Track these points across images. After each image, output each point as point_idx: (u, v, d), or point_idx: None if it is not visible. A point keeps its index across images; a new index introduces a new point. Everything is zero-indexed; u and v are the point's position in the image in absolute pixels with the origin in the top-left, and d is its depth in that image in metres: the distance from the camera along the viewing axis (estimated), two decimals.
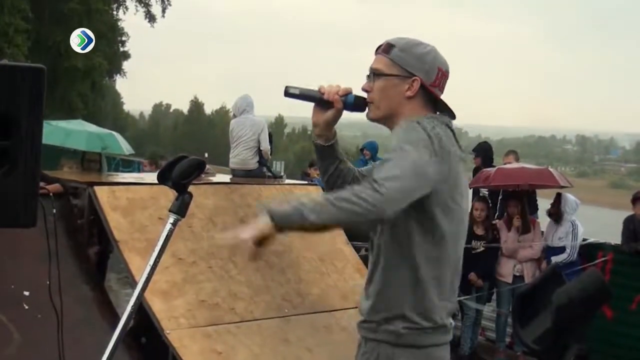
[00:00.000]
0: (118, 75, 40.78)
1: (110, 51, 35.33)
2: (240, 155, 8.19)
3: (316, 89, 2.59)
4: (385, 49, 2.51)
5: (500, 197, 8.78)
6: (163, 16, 37.32)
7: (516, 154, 9.54)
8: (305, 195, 2.31)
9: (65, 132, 9.49)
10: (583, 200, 8.26)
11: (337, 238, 6.54)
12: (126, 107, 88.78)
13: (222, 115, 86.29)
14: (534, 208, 8.63)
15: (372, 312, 2.52)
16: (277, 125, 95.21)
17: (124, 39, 38.68)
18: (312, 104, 2.60)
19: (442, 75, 2.51)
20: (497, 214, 8.55)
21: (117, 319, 5.34)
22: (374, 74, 2.51)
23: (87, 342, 4.68)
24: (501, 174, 8.12)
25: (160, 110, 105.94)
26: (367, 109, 2.56)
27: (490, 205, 8.29)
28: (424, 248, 2.38)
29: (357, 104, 2.56)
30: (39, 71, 3.01)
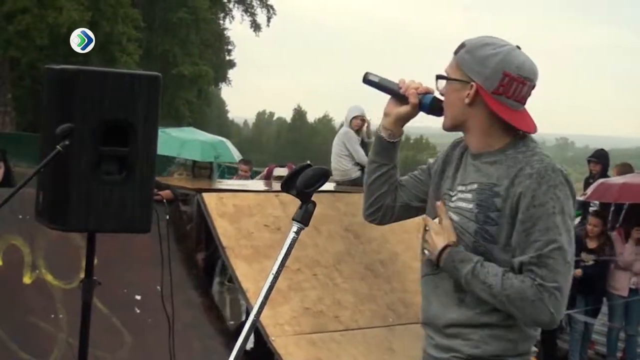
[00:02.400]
0: (223, 83, 41.83)
1: (217, 59, 36.30)
2: (337, 166, 8.24)
3: (396, 81, 2.45)
4: (457, 49, 2.30)
5: (612, 209, 8.47)
6: (268, 25, 38.03)
7: (631, 167, 9.20)
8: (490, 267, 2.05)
9: (179, 141, 9.74)
10: None
11: None
12: (230, 115, 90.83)
13: (325, 124, 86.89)
14: None
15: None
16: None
17: (229, 47, 39.64)
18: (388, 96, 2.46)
19: (512, 81, 2.20)
20: (608, 225, 8.26)
21: (223, 323, 5.47)
22: (441, 77, 2.34)
23: (194, 347, 4.80)
24: (629, 190, 7.81)
25: (263, 118, 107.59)
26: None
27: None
28: None
29: (433, 107, 2.37)
30: (155, 79, 3.11)
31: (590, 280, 7.49)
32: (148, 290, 4.80)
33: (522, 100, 2.25)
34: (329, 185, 7.88)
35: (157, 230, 3.56)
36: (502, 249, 2.19)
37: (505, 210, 2.18)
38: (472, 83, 2.23)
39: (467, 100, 2.24)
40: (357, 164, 8.13)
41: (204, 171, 8.71)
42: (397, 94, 2.42)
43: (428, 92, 2.38)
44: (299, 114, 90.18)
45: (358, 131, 8.44)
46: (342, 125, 8.74)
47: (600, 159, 9.11)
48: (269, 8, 37.85)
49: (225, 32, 38.68)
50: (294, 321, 5.13)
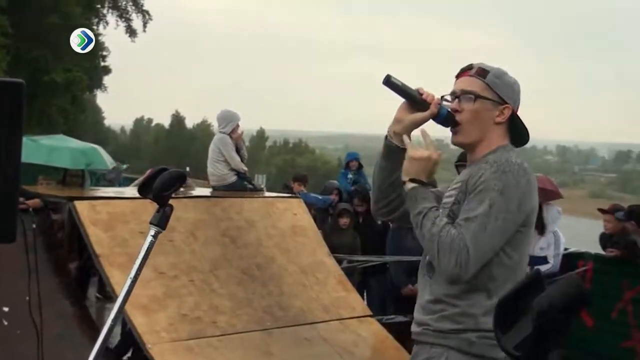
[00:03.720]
0: (99, 89, 40.67)
1: (91, 66, 35.23)
2: (213, 171, 8.20)
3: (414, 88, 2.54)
4: (480, 73, 2.51)
5: None
6: (144, 31, 37.25)
7: None
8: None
9: (48, 149, 9.38)
10: (563, 210, 8.31)
11: (319, 250, 6.56)
12: (107, 122, 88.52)
13: (204, 129, 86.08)
14: None
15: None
16: (259, 139, 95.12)
17: (104, 53, 38.57)
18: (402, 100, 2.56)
19: (519, 104, 2.58)
20: None
21: (97, 333, 5.33)
22: (467, 94, 2.50)
23: (67, 358, 4.65)
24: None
25: (141, 124, 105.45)
26: (453, 129, 2.53)
27: None
28: None
29: (448, 119, 2.51)
30: (18, 86, 3.01)
31: None
32: (16, 301, 4.61)
33: None
34: (205, 191, 7.83)
35: (23, 240, 3.44)
36: None
37: (463, 190, 2.44)
38: (507, 105, 2.51)
39: (499, 119, 2.51)
40: (233, 169, 8.12)
41: (75, 179, 8.47)
42: (417, 100, 2.51)
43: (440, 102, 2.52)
44: (177, 119, 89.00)
45: (236, 136, 8.42)
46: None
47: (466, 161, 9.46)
48: (145, 13, 37.07)
49: (99, 38, 37.60)
50: (171, 328, 5.07)
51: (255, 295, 5.74)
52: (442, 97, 2.55)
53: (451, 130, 2.55)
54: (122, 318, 5.35)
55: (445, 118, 2.51)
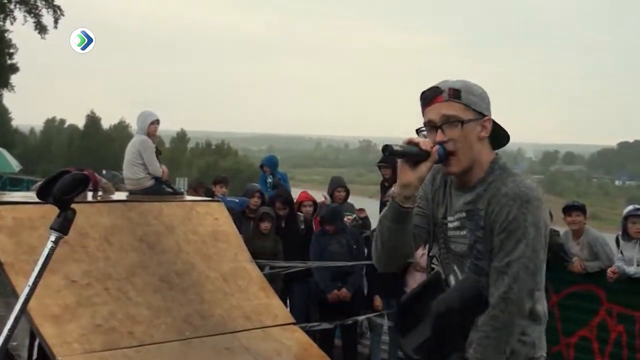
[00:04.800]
0: (5, 89, 39.49)
1: None
2: (129, 175, 8.10)
3: (401, 143, 2.46)
4: (454, 95, 2.48)
5: None
6: (55, 27, 36.32)
7: None
8: None
9: None
10: None
11: (240, 255, 6.54)
12: (15, 123, 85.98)
13: (121, 130, 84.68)
14: None
15: None
16: (180, 140, 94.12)
17: (11, 51, 37.49)
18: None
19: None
20: None
21: None
22: (452, 122, 2.47)
23: None
24: None
25: (53, 125, 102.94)
26: (446, 161, 2.51)
27: None
28: None
29: (444, 156, 2.49)
30: None
31: (389, 282, 7.81)
32: None
33: None
34: (121, 195, 7.72)
35: None
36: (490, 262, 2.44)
37: (487, 227, 2.45)
38: (487, 117, 2.52)
39: (484, 134, 2.52)
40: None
41: None
42: (420, 155, 2.44)
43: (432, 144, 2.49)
44: (93, 120, 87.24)
45: (154, 137, 8.34)
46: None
47: (389, 163, 9.51)
48: (56, 8, 36.15)
49: (5, 35, 36.49)
50: (84, 339, 4.98)
51: (174, 304, 5.68)
52: (417, 130, 2.54)
53: (442, 163, 2.52)
54: (31, 329, 5.24)
55: (445, 156, 2.49)
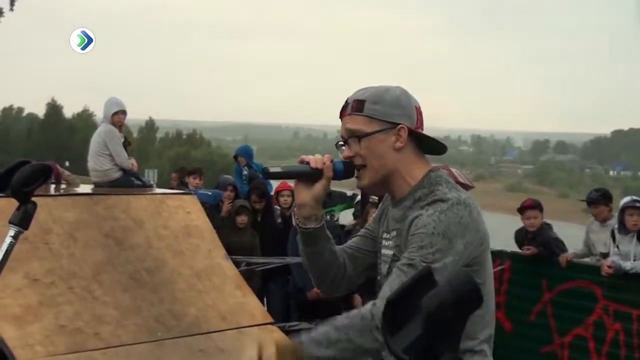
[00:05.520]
0: None
1: None
2: (95, 166, 8.06)
3: (295, 163, 2.51)
4: (356, 107, 2.45)
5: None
6: (11, 9, 35.94)
7: None
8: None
9: None
10: (480, 205, 8.57)
11: (215, 252, 6.52)
12: None
13: (85, 119, 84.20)
14: None
15: None
16: (148, 130, 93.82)
17: None
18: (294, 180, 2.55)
19: (420, 112, 2.50)
20: None
21: None
22: (355, 136, 2.45)
23: None
24: None
25: (10, 114, 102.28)
26: (357, 175, 2.51)
27: None
28: None
29: (347, 170, 2.50)
30: None
31: (368, 280, 7.85)
32: None
33: (423, 128, 2.52)
34: (86, 187, 7.68)
35: None
36: None
37: (403, 246, 2.41)
38: (401, 125, 2.42)
39: (399, 144, 2.43)
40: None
41: None
42: (309, 174, 2.47)
43: (330, 159, 2.49)
44: (54, 108, 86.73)
45: (120, 127, 8.31)
46: (103, 122, 8.54)
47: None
48: None
49: None
50: (47, 341, 4.94)
51: (144, 303, 5.66)
52: (336, 144, 2.55)
53: (356, 177, 2.53)
54: None
55: (344, 171, 2.51)
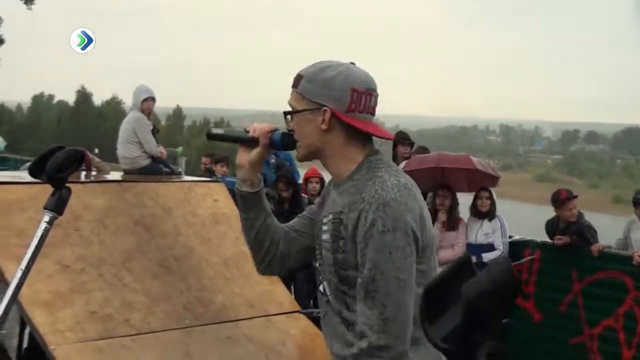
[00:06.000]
0: None
1: None
2: (124, 154, 8.10)
3: (241, 129, 2.58)
4: (295, 82, 2.46)
5: None
6: None
7: (426, 149, 9.59)
8: None
9: None
10: (508, 195, 8.54)
11: (242, 240, 6.51)
12: (0, 98, 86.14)
13: (114, 107, 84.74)
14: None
15: None
16: (176, 118, 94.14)
17: None
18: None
19: (360, 95, 2.40)
20: None
21: None
22: (288, 112, 2.48)
23: None
24: (446, 158, 8.34)
25: (41, 101, 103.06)
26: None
27: None
28: None
29: (285, 142, 2.53)
30: None
31: None
32: None
33: (372, 111, 2.45)
34: (116, 175, 7.72)
35: None
36: (358, 272, 2.35)
37: (347, 237, 2.37)
38: (325, 108, 2.38)
39: (323, 127, 2.40)
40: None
41: None
42: (247, 140, 2.55)
43: (275, 129, 2.53)
44: (84, 96, 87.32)
45: (149, 115, 8.34)
46: (132, 109, 8.59)
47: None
48: None
49: None
50: (78, 327, 4.98)
51: (173, 290, 5.69)
52: (284, 114, 2.54)
53: (286, 149, 2.61)
54: (21, 317, 5.25)
55: (282, 143, 2.54)
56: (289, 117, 2.49)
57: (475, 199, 8.01)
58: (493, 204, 7.91)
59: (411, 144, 9.28)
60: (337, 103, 2.39)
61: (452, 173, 8.21)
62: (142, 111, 8.19)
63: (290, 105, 2.47)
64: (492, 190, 8.13)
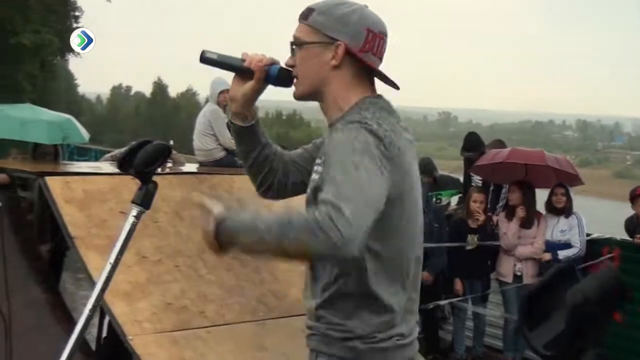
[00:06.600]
0: (71, 54, 40.40)
1: (62, 27, 34.91)
2: (200, 146, 8.17)
3: (239, 56, 2.45)
4: (304, 15, 2.36)
5: (492, 189, 8.71)
6: None
7: (502, 142, 9.39)
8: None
9: (19, 122, 9.32)
10: (586, 192, 8.36)
11: None
12: (81, 90, 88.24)
13: (189, 99, 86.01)
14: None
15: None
16: None
17: (77, 14, 38.26)
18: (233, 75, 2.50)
19: (374, 37, 2.32)
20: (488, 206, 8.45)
21: (72, 324, 5.31)
22: (295, 44, 2.37)
23: (39, 350, 4.64)
24: (518, 153, 8.26)
25: (119, 93, 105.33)
26: (293, 85, 2.42)
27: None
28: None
29: (282, 77, 2.41)
30: None
31: (472, 264, 7.74)
32: None
33: (382, 57, 2.36)
34: (191, 167, 7.80)
35: None
36: None
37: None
38: (339, 42, 2.29)
39: (334, 62, 2.31)
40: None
41: (48, 156, 8.40)
42: (240, 69, 2.43)
43: (273, 63, 2.41)
44: (160, 87, 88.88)
45: (225, 107, 8.40)
46: (207, 101, 8.66)
47: (472, 148, 9.15)
48: None
49: None
50: (155, 318, 5.04)
51: (247, 283, 5.71)
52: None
53: (284, 85, 2.43)
54: (100, 307, 5.34)
55: (278, 77, 2.41)
56: (295, 49, 2.38)
57: (550, 195, 7.86)
58: (569, 200, 7.74)
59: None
60: (351, 39, 2.30)
61: (536, 170, 8.10)
62: (219, 103, 8.24)
63: (296, 38, 2.37)
64: None
